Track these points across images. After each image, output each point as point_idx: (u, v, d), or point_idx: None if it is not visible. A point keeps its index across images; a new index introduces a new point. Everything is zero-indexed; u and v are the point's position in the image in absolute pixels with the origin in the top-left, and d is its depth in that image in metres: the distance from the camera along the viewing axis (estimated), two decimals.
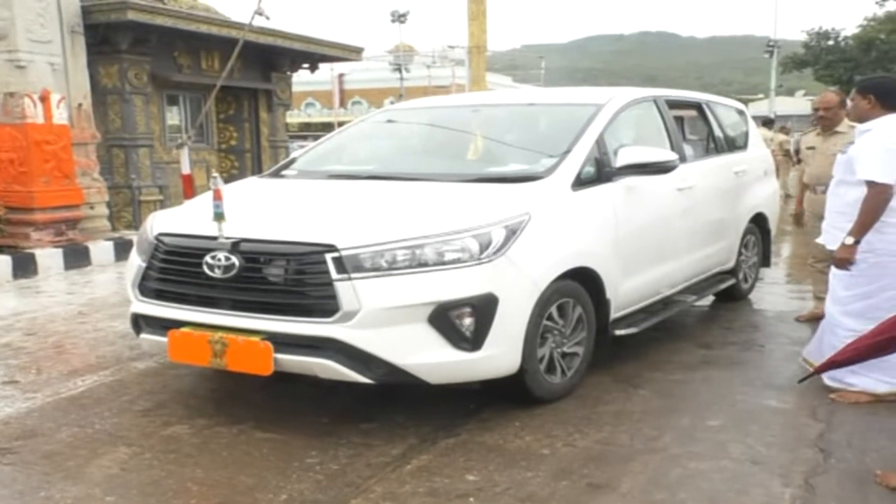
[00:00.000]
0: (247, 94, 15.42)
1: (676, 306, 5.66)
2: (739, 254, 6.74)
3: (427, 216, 4.06)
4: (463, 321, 3.86)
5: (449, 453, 3.80)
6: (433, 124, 5.95)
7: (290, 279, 3.89)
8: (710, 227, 6.09)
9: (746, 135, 7.23)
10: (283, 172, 5.48)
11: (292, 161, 5.69)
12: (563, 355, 4.47)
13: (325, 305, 3.78)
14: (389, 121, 6.27)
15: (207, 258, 3.99)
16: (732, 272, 6.67)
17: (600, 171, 4.80)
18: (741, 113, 7.45)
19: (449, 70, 47.17)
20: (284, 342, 3.83)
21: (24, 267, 9.19)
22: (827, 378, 4.51)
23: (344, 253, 3.77)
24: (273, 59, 15.41)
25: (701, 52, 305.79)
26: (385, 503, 3.32)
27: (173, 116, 14.33)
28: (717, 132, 6.70)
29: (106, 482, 3.56)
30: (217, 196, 4.04)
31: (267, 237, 4.02)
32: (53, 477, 3.63)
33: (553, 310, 4.31)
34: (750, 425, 4.13)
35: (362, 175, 5.10)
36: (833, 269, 4.60)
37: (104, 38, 12.00)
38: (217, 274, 3.96)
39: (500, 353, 3.99)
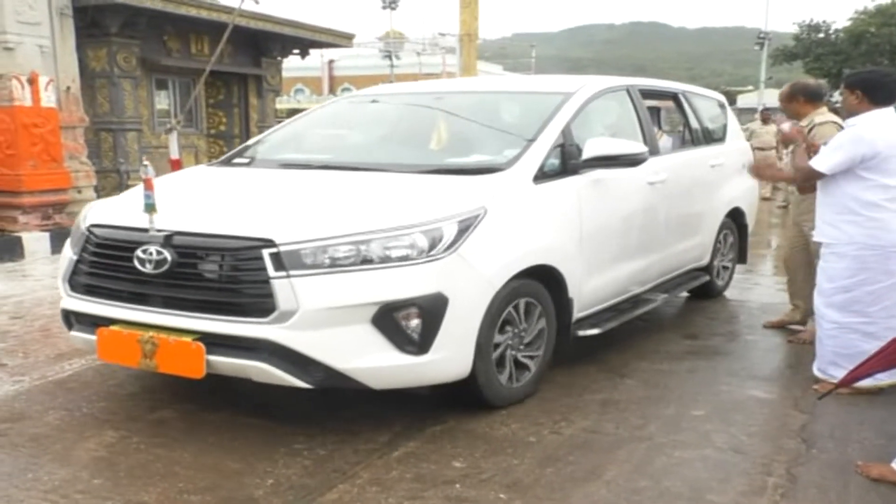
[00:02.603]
0: (236, 80, 15.36)
1: (645, 305, 5.43)
2: (714, 250, 6.57)
3: (374, 210, 3.83)
4: (409, 323, 3.63)
5: (436, 440, 3.82)
6: (396, 112, 5.73)
7: (226, 276, 3.67)
8: (683, 222, 5.89)
9: (725, 127, 7.03)
10: (236, 160, 5.22)
11: (245, 148, 5.45)
12: (520, 359, 4.27)
13: (262, 304, 3.55)
14: (351, 107, 6.03)
15: (138, 252, 3.76)
16: (707, 269, 6.52)
17: (566, 164, 4.58)
18: (720, 104, 7.26)
19: (439, 58, 47.09)
20: (218, 343, 3.62)
21: (11, 250, 9.15)
22: (815, 370, 4.57)
23: (282, 248, 3.55)
24: (263, 44, 15.36)
25: (691, 42, 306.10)
26: (372, 488, 3.34)
27: (162, 101, 14.27)
28: (694, 124, 6.52)
29: (93, 465, 3.57)
30: (148, 186, 3.80)
31: (201, 230, 3.77)
32: (41, 459, 3.63)
33: (510, 310, 4.10)
34: (734, 415, 4.17)
35: (315, 164, 4.81)
36: (820, 263, 4.65)
37: (93, 21, 11.93)
38: (148, 269, 3.73)
39: (450, 357, 3.77)
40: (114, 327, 3.85)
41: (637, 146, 4.77)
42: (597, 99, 5.13)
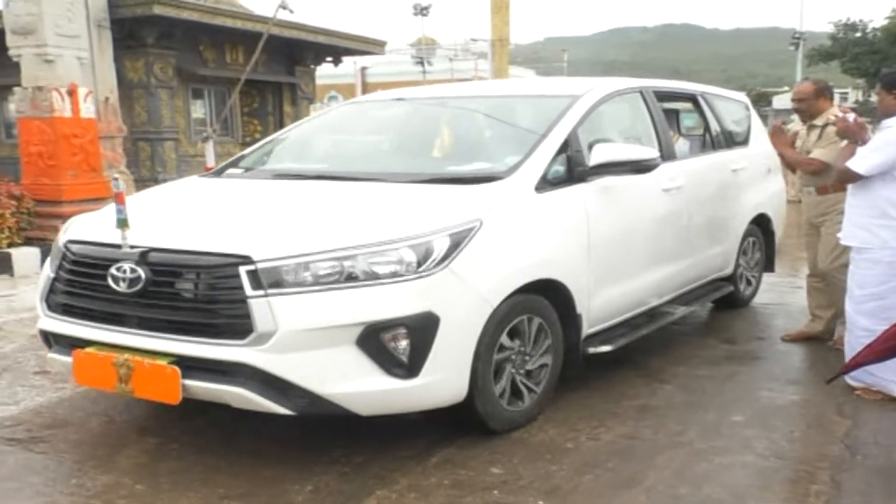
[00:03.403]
0: (271, 88, 15.49)
1: (663, 319, 5.14)
2: (738, 258, 6.27)
3: (360, 223, 3.60)
4: (397, 344, 3.40)
5: (473, 446, 3.80)
6: (398, 118, 5.53)
7: (201, 295, 3.46)
8: (702, 230, 5.60)
9: (748, 129, 6.70)
10: (230, 171, 5.00)
11: (241, 158, 5.21)
12: (524, 379, 4.04)
13: (238, 326, 3.33)
14: (353, 114, 5.78)
15: (112, 270, 3.56)
16: (731, 279, 6.22)
17: (572, 171, 4.32)
18: (743, 106, 6.94)
19: (471, 63, 47.10)
20: (194, 366, 3.41)
21: None
22: (849, 378, 4.48)
23: (260, 265, 3.33)
24: (297, 52, 15.47)
25: (725, 44, 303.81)
26: (410, 494, 3.35)
27: (198, 110, 14.44)
28: (714, 126, 6.22)
29: (135, 470, 3.62)
30: (119, 200, 3.60)
31: (176, 247, 3.57)
32: (85, 465, 3.69)
33: (512, 328, 3.86)
34: (775, 421, 4.12)
35: (309, 175, 4.56)
36: (850, 268, 4.56)
37: (130, 33, 12.11)
38: (122, 288, 3.52)
39: (442, 380, 3.53)
40: (89, 349, 3.64)
41: (647, 151, 4.54)
42: (607, 102, 4.90)
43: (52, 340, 3.95)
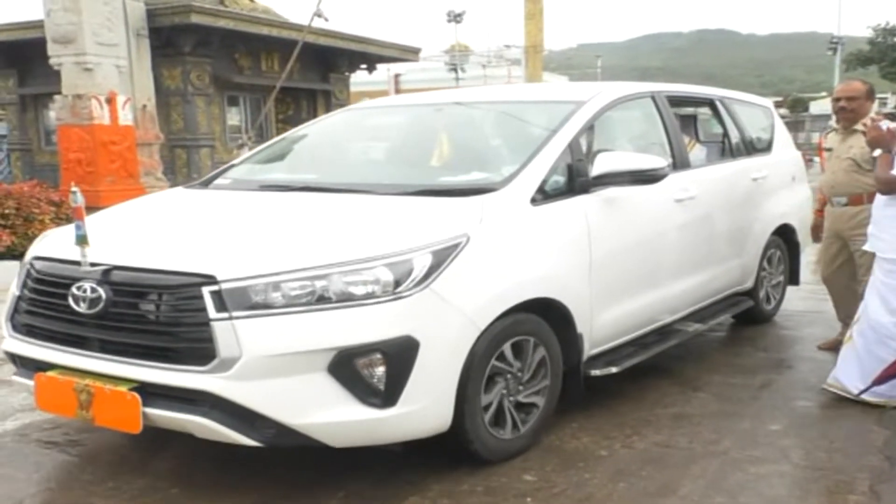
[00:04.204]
0: (305, 95, 15.63)
1: (675, 337, 4.84)
2: (760, 272, 5.96)
3: (337, 240, 3.37)
4: (372, 371, 3.16)
5: None
6: (395, 126, 5.25)
7: (163, 317, 3.23)
8: (719, 242, 5.32)
9: (771, 136, 6.39)
10: (217, 181, 4.74)
11: (230, 167, 4.96)
12: (519, 405, 3.76)
13: (200, 351, 3.11)
14: (350, 121, 5.49)
15: (73, 289, 3.34)
16: (751, 293, 5.90)
17: (573, 182, 4.06)
18: (767, 111, 6.62)
19: (505, 69, 47.13)
20: (157, 393, 3.20)
21: None
22: (868, 395, 4.35)
23: (224, 286, 3.10)
24: (331, 60, 15.61)
25: (761, 49, 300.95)
26: (443, 500, 3.35)
27: (234, 117, 14.61)
28: (734, 133, 5.93)
29: (170, 474, 3.65)
30: (78, 215, 3.38)
31: (139, 265, 3.34)
32: (120, 468, 3.73)
33: (503, 351, 3.60)
34: (812, 430, 4.08)
35: (296, 186, 4.30)
36: (882, 281, 4.40)
37: (168, 41, 12.31)
38: (82, 308, 3.30)
39: (423, 409, 3.28)
40: (51, 373, 3.43)
41: (654, 161, 4.24)
42: (614, 108, 4.65)
43: (18, 362, 3.73)
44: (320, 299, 3.13)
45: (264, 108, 13.30)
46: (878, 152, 4.46)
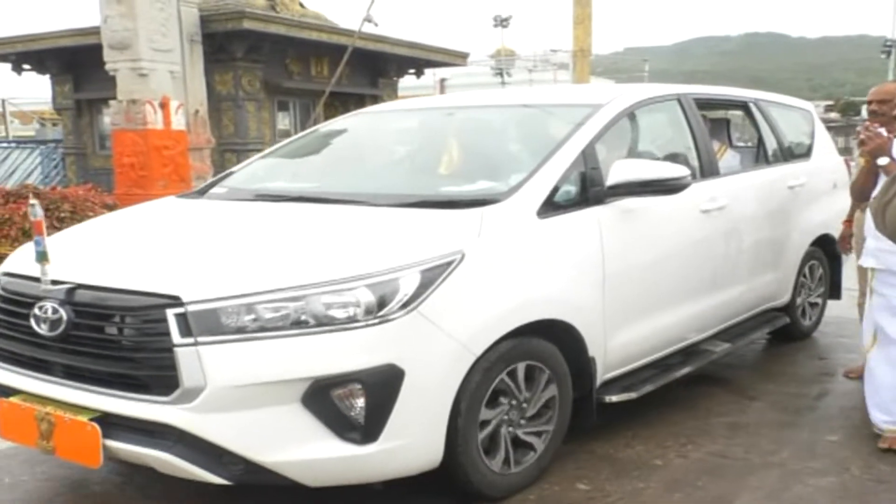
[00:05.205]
0: (354, 100, 15.71)
1: (702, 358, 4.51)
2: (797, 286, 5.57)
3: (318, 257, 3.07)
4: (351, 403, 2.88)
5: (558, 460, 3.74)
6: (404, 131, 4.96)
7: (126, 341, 2.97)
8: (751, 255, 4.94)
9: (811, 141, 6.01)
10: (213, 190, 4.42)
11: (228, 175, 4.66)
12: (522, 436, 3.45)
13: (163, 379, 2.85)
14: (359, 126, 5.18)
15: (35, 309, 3.08)
16: (787, 308, 5.54)
17: (586, 192, 3.74)
18: (807, 114, 6.22)
19: (550, 74, 46.99)
20: (119, 424, 2.94)
21: None
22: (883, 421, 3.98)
23: (190, 308, 2.82)
24: (380, 65, 15.70)
25: (812, 52, 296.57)
26: None
27: (283, 122, 14.77)
28: (769, 138, 5.56)
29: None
30: (38, 230, 3.11)
31: (103, 283, 3.06)
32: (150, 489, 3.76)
33: (504, 378, 3.30)
34: (871, 442, 3.98)
35: (290, 196, 4.03)
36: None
37: (220, 47, 12.48)
38: (44, 330, 3.04)
39: (408, 445, 2.99)
40: (14, 399, 3.18)
41: (675, 169, 3.90)
42: (635, 111, 4.38)
43: None
44: (295, 323, 2.85)
45: (313, 112, 13.40)
46: (884, 160, 4.03)
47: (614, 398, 3.86)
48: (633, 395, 3.93)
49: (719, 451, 3.90)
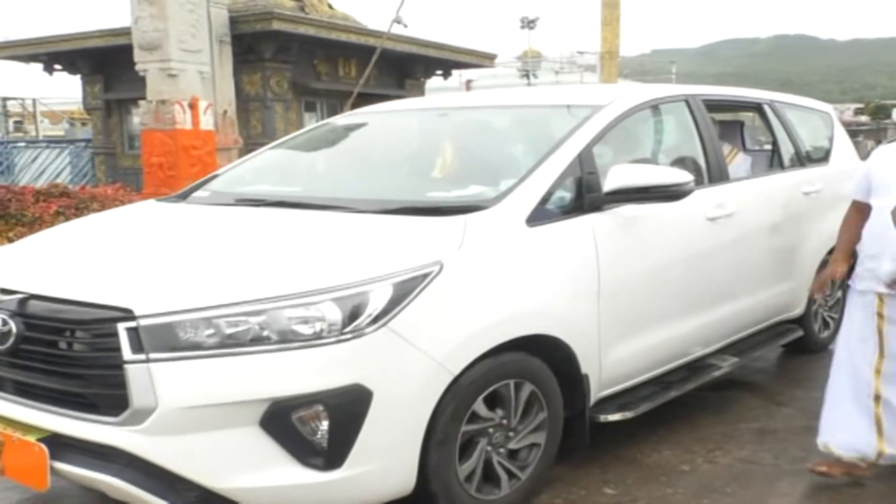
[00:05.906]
0: (381, 101, 15.77)
1: (706, 373, 4.26)
2: (812, 297, 5.24)
3: (284, 267, 2.87)
4: (313, 426, 2.68)
5: (585, 465, 3.75)
6: (395, 133, 4.75)
7: (76, 357, 2.79)
8: (762, 265, 4.70)
9: (830, 145, 5.73)
10: (196, 193, 4.23)
11: (213, 178, 4.48)
12: (510, 455, 3.24)
13: (112, 399, 2.67)
14: (349, 127, 4.97)
15: None
16: (801, 320, 5.26)
17: (582, 198, 3.50)
18: (825, 117, 5.94)
19: (577, 76, 46.88)
20: (68, 445, 2.76)
21: None
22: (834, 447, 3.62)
23: (142, 322, 2.63)
24: (408, 66, 15.73)
25: (842, 54, 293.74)
26: None
27: (311, 122, 14.80)
28: (784, 141, 5.29)
29: None
30: None
31: (55, 294, 2.87)
32: None
33: (488, 397, 3.07)
34: None
35: (270, 201, 3.77)
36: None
37: (249, 47, 12.57)
38: None
39: (377, 471, 2.78)
40: None
41: (677, 174, 3.66)
42: (638, 113, 4.13)
43: None
44: (255, 340, 2.65)
45: (341, 113, 13.50)
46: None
47: (610, 417, 3.63)
48: (629, 414, 3.68)
49: (747, 457, 3.87)
